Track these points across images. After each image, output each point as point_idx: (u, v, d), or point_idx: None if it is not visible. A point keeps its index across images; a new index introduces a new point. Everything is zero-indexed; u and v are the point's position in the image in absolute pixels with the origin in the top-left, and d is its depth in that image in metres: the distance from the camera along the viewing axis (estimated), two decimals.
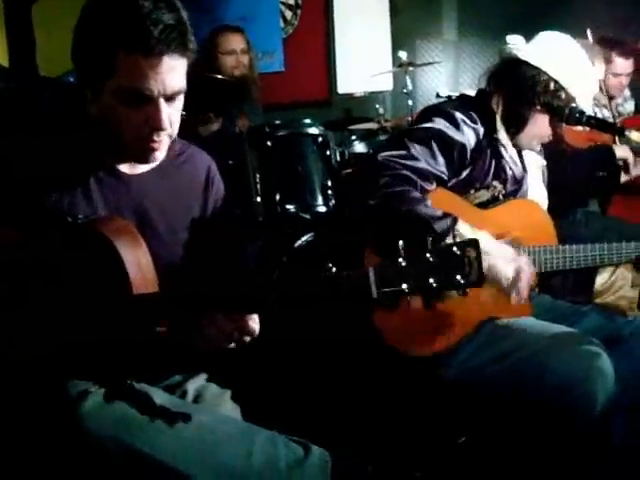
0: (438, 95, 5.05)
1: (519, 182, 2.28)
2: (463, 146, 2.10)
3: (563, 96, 2.18)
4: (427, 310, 1.95)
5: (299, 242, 3.10)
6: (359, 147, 4.01)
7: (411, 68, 4.75)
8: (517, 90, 2.21)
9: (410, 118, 4.54)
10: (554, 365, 1.94)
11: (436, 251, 1.28)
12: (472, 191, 2.17)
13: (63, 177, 1.58)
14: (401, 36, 6.50)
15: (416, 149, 2.02)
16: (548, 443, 1.98)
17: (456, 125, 2.11)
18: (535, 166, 2.47)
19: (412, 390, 2.09)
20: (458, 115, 2.13)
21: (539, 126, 2.23)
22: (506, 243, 2.08)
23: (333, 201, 3.21)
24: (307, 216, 3.23)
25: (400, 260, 1.28)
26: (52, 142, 1.61)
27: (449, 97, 5.01)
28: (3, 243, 1.45)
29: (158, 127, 1.54)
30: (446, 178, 2.08)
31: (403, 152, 2.00)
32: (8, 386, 1.43)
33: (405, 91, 4.59)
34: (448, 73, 6.45)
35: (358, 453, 1.66)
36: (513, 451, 2.08)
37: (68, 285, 1.40)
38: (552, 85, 2.17)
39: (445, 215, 1.91)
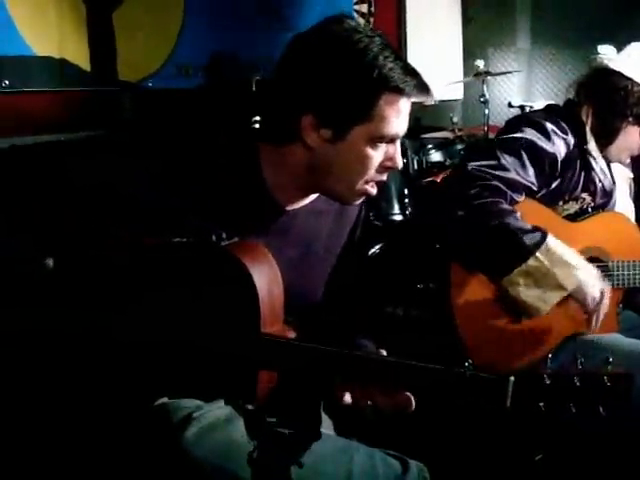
0: (510, 105, 4.99)
1: (608, 195, 2.23)
2: (554, 157, 2.06)
3: None
4: None
5: (372, 250, 3.08)
6: (436, 156, 3.96)
7: (489, 77, 4.69)
8: (608, 101, 2.15)
9: (486, 128, 4.50)
10: None
11: (585, 376, 1.21)
12: (560, 203, 2.13)
13: (220, 196, 1.53)
14: (473, 45, 6.45)
15: (506, 159, 1.99)
16: (632, 465, 1.93)
17: (547, 136, 2.07)
18: (622, 179, 2.41)
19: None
20: (549, 125, 2.09)
21: (631, 138, 2.18)
22: (593, 259, 2.05)
23: (409, 210, 3.18)
24: (380, 224, 3.22)
25: (545, 377, 1.21)
26: (218, 161, 1.58)
27: (522, 107, 4.98)
28: (145, 248, 1.44)
29: (396, 166, 1.52)
30: (536, 189, 2.05)
31: (493, 162, 1.97)
32: (109, 408, 1.41)
33: (482, 100, 4.54)
34: (520, 82, 6.37)
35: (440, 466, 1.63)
36: (591, 472, 2.04)
37: (199, 302, 1.37)
38: None
39: (535, 229, 1.88)
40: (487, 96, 4.55)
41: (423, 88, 1.47)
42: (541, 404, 1.21)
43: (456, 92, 6.43)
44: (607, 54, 2.21)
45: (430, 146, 3.95)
